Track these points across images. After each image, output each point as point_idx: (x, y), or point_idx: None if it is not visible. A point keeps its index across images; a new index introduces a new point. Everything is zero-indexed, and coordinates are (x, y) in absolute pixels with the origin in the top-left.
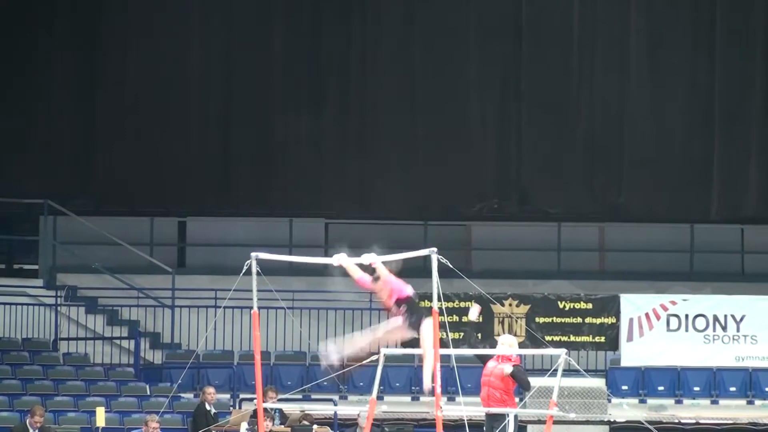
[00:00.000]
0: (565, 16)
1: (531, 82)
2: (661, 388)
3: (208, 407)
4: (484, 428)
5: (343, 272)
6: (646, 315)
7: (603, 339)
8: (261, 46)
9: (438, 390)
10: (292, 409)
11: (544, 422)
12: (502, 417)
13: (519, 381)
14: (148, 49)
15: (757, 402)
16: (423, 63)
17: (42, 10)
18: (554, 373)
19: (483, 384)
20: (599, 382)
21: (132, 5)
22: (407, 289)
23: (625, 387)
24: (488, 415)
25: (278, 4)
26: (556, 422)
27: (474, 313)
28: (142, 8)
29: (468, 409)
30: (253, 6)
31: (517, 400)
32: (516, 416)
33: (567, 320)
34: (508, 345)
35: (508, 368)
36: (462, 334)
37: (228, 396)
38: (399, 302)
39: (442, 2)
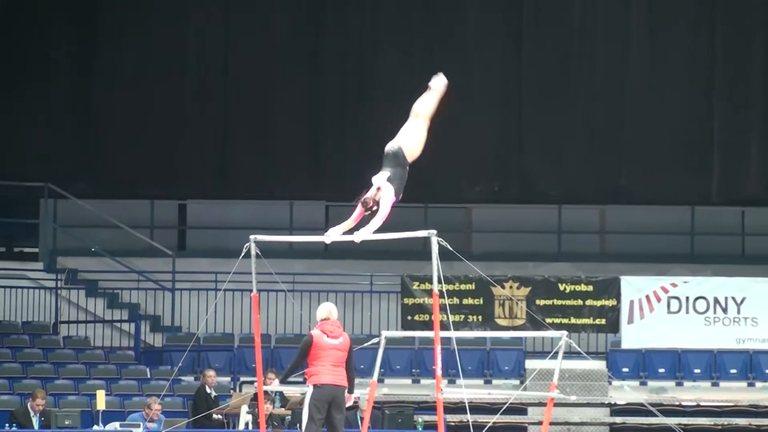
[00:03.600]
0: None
1: (531, 66)
2: (661, 370)
3: (208, 390)
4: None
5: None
6: (647, 297)
7: (603, 321)
8: (260, 31)
9: (439, 372)
10: (292, 391)
11: (544, 404)
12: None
13: None
14: (146, 34)
15: (758, 384)
16: (423, 48)
17: None
18: (555, 356)
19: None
20: (600, 365)
21: None
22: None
23: (625, 369)
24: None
25: None
26: (556, 405)
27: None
28: None
29: (469, 391)
30: None
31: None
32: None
33: (567, 302)
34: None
35: None
36: (462, 316)
37: (228, 379)
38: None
39: None
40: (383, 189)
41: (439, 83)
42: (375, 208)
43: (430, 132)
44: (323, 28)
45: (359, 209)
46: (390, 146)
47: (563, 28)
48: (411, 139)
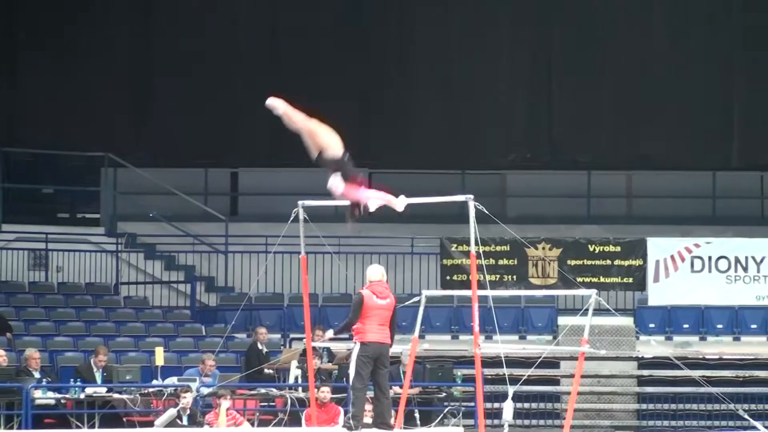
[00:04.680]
0: None
1: (561, 41)
2: (686, 325)
3: (260, 346)
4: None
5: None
6: (672, 257)
7: (631, 280)
8: (307, 9)
9: (476, 329)
10: (339, 347)
11: (576, 358)
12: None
13: None
14: (200, 11)
15: None
16: (460, 25)
17: None
18: (585, 313)
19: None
20: (628, 321)
21: None
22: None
23: (652, 325)
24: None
25: None
26: (587, 358)
27: None
28: None
29: (504, 346)
30: None
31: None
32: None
33: (597, 262)
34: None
35: None
36: (498, 276)
37: (279, 336)
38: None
39: None
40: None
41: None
42: (365, 211)
43: (465, 101)
44: (365, 6)
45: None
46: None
47: (589, 7)
48: (324, 144)
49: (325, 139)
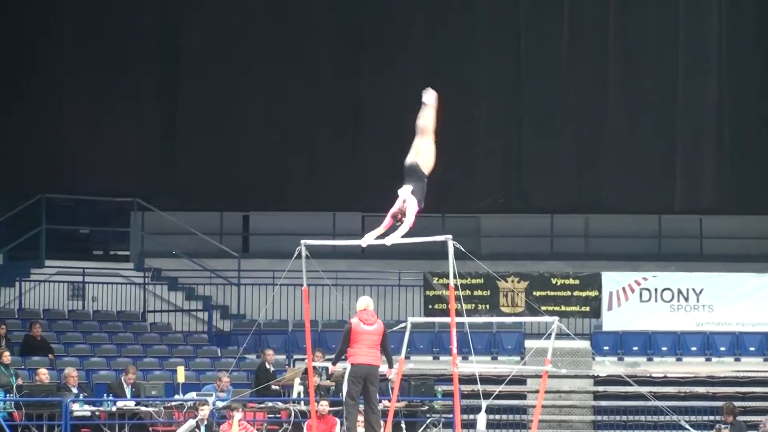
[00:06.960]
0: (555, 48)
1: (528, 103)
2: (635, 348)
3: (268, 366)
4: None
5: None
6: (623, 289)
7: (588, 308)
8: (309, 80)
9: (454, 350)
10: (335, 367)
11: (540, 376)
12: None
13: None
14: (218, 77)
15: (714, 359)
16: (445, 92)
17: (130, 32)
18: (549, 337)
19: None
20: (585, 344)
21: (205, 36)
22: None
23: (606, 347)
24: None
25: (324, 47)
26: (550, 376)
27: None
28: (214, 40)
29: (478, 365)
30: (302, 44)
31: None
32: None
33: (558, 293)
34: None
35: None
36: (473, 305)
37: (284, 357)
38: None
39: (451, 30)
40: (408, 201)
41: (430, 98)
42: (402, 218)
43: (446, 153)
44: (358, 74)
45: (389, 220)
46: (407, 162)
47: (553, 73)
48: (423, 154)
49: (426, 147)
